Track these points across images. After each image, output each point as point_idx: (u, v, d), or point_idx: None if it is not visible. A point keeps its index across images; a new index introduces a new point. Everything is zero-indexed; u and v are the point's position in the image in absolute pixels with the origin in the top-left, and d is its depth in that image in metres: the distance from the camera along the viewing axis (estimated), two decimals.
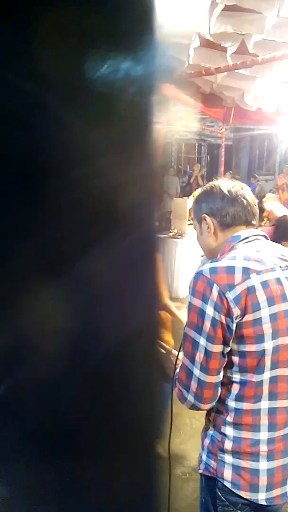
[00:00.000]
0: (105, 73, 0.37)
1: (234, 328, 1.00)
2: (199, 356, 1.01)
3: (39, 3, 0.37)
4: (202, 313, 1.00)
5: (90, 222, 0.42)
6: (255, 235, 1.15)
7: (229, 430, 1.06)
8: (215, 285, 1.00)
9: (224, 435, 1.07)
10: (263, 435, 1.05)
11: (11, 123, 0.38)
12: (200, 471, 1.14)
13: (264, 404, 1.05)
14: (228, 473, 1.07)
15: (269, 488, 1.06)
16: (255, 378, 1.03)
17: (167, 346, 1.38)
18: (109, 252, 0.42)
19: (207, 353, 1.01)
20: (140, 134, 0.42)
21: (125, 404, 0.47)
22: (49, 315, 0.43)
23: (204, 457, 1.13)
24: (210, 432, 1.12)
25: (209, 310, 1.00)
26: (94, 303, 0.44)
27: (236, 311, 0.99)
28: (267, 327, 1.01)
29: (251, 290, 1.00)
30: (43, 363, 0.44)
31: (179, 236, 5.56)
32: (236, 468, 1.06)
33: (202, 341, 1.01)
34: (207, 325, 1.00)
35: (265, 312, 1.01)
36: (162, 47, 0.40)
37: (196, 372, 1.02)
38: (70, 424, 0.46)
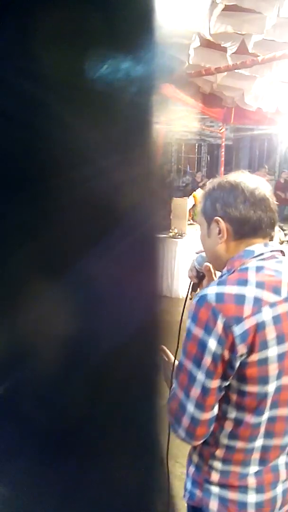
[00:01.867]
0: (105, 73, 0.37)
1: (237, 365, 0.88)
2: (195, 391, 0.90)
3: (39, 3, 0.37)
4: (203, 346, 0.87)
5: (90, 221, 0.42)
6: (271, 251, 0.98)
7: (217, 464, 0.97)
8: (220, 315, 0.86)
9: (211, 467, 0.97)
10: (253, 468, 0.97)
11: (11, 123, 0.38)
12: (185, 500, 1.03)
13: (259, 442, 0.95)
14: (214, 504, 0.97)
15: None
16: (253, 419, 0.92)
17: (170, 354, 1.29)
18: (109, 252, 0.42)
19: (205, 389, 0.89)
20: (140, 134, 0.42)
21: (125, 404, 0.47)
22: (50, 314, 0.43)
23: (188, 485, 1.02)
24: (196, 460, 1.01)
25: (212, 344, 0.87)
26: (95, 303, 0.44)
27: (241, 349, 0.86)
28: (273, 368, 0.89)
29: (261, 326, 0.87)
30: (43, 363, 0.44)
31: (179, 236, 5.56)
32: (222, 500, 0.97)
33: (200, 375, 0.89)
34: (208, 359, 0.87)
35: (273, 351, 0.89)
36: (162, 47, 0.40)
37: (190, 408, 0.90)
38: (70, 424, 0.46)
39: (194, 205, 6.12)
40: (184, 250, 5.49)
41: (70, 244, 0.41)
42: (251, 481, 0.97)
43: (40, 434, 0.46)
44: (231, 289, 0.90)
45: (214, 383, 0.89)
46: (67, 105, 0.38)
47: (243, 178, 1.00)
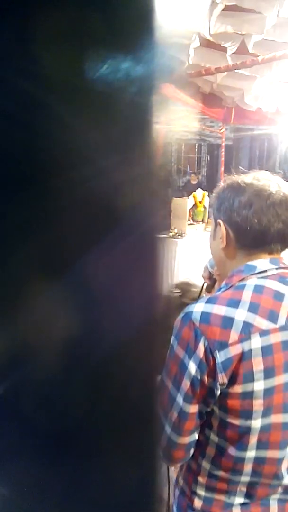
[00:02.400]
0: (105, 73, 0.37)
1: (218, 393, 0.80)
2: (173, 414, 0.83)
3: (39, 3, 0.37)
4: (183, 368, 0.80)
5: (90, 221, 0.42)
6: (277, 269, 0.85)
7: (200, 490, 0.90)
8: (203, 338, 0.78)
9: (195, 493, 0.91)
10: (239, 500, 0.89)
11: (10, 123, 0.38)
12: None
13: (245, 478, 0.86)
14: None
15: None
16: (236, 452, 0.84)
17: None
18: (109, 252, 0.42)
19: (182, 414, 0.82)
20: (140, 134, 0.42)
21: (126, 404, 0.47)
22: (49, 314, 0.43)
23: (174, 508, 0.98)
24: (181, 483, 0.96)
25: (192, 367, 0.79)
26: (94, 303, 0.44)
27: (222, 378, 0.78)
28: (258, 403, 0.79)
29: (247, 356, 0.77)
30: (43, 363, 0.44)
31: (179, 236, 5.56)
32: None
33: (178, 398, 0.82)
34: (187, 383, 0.80)
35: (259, 385, 0.78)
36: (162, 47, 0.40)
37: (168, 430, 0.83)
38: (70, 424, 0.46)
39: (194, 205, 6.12)
40: (184, 250, 5.50)
41: (69, 244, 0.41)
42: None
43: (40, 434, 0.46)
44: (219, 309, 0.80)
45: (193, 408, 0.81)
46: (67, 105, 0.38)
47: (258, 180, 0.88)
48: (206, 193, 6.24)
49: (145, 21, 0.39)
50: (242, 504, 0.89)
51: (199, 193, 6.19)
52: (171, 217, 5.74)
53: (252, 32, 3.64)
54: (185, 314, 0.83)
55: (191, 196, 6.12)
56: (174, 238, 5.52)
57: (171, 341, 0.84)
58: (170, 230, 5.65)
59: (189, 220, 5.92)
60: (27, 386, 0.44)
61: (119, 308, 0.44)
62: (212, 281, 1.22)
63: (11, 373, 0.44)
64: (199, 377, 0.80)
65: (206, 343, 0.79)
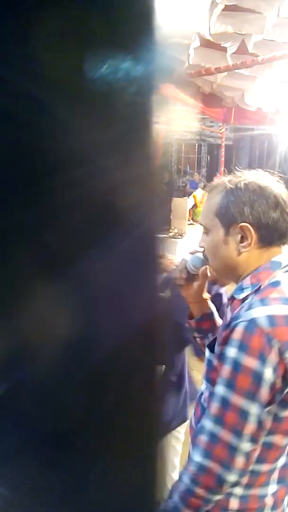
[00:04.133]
0: (105, 73, 0.37)
1: (285, 392, 0.82)
2: (250, 427, 0.81)
3: (39, 3, 0.37)
4: (258, 378, 0.78)
5: (90, 221, 0.42)
6: None
7: (238, 490, 0.91)
8: (275, 341, 0.78)
9: (231, 494, 0.91)
10: (272, 488, 0.93)
11: (10, 123, 0.38)
12: None
13: (281, 461, 0.91)
14: None
15: None
16: (285, 441, 0.88)
17: None
18: (109, 252, 0.42)
19: (260, 423, 0.81)
20: (140, 134, 0.42)
21: (126, 404, 0.47)
22: (49, 314, 0.43)
23: None
24: None
25: (268, 374, 0.78)
26: (94, 303, 0.44)
27: None
28: None
29: None
30: (43, 363, 0.44)
31: (179, 236, 5.57)
32: None
33: (255, 409, 0.80)
34: (265, 391, 0.79)
35: None
36: (162, 47, 0.40)
37: (246, 446, 0.81)
38: (70, 424, 0.46)
39: (194, 205, 6.13)
40: (184, 250, 5.50)
41: (69, 244, 0.41)
42: (269, 502, 0.92)
43: (40, 434, 0.46)
44: (280, 310, 0.80)
45: (265, 413, 0.81)
46: (67, 105, 0.38)
47: (269, 180, 0.91)
48: (206, 193, 6.22)
49: (145, 21, 0.39)
50: (273, 493, 0.92)
51: (199, 193, 6.19)
52: (171, 217, 5.74)
53: (252, 32, 3.64)
54: (249, 323, 0.80)
55: (191, 196, 6.12)
56: (174, 238, 5.52)
57: (232, 356, 0.81)
58: (170, 230, 5.65)
59: (189, 220, 5.92)
60: (27, 386, 0.44)
61: (119, 307, 0.44)
62: (187, 281, 1.17)
63: (11, 373, 0.44)
64: (275, 382, 0.80)
65: (278, 345, 0.78)
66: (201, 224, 0.99)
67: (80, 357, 0.44)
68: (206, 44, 3.87)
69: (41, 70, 0.37)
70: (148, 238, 0.45)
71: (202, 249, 1.04)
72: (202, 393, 1.05)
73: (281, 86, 5.06)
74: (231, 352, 0.82)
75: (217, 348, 0.93)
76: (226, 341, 0.85)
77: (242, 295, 0.91)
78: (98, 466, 0.47)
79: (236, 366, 0.81)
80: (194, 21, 3.31)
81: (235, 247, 0.92)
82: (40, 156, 0.39)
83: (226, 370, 0.83)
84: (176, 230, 5.66)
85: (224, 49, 4.01)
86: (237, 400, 0.81)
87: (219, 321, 1.21)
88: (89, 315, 0.44)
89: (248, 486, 0.92)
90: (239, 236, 0.91)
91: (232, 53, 4.03)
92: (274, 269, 0.89)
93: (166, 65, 0.42)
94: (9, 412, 0.45)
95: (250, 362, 0.79)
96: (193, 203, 6.12)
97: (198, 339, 1.24)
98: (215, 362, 0.93)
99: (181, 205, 5.80)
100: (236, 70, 4.37)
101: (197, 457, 0.86)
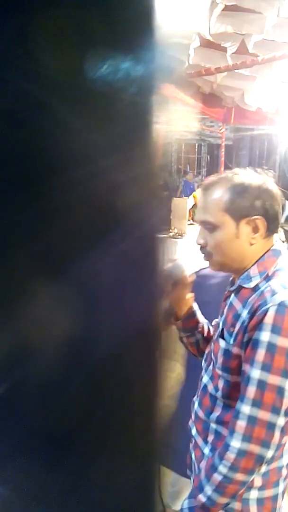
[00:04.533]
0: (105, 73, 0.37)
1: None
2: (286, 402, 0.88)
3: (39, 2, 0.37)
4: None
5: (90, 221, 0.42)
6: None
7: (262, 467, 0.95)
8: None
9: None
10: (286, 459, 0.99)
11: (10, 123, 0.38)
12: None
13: None
14: (253, 509, 0.98)
15: (279, 509, 1.00)
16: None
17: None
18: (109, 252, 0.42)
19: None
20: (140, 134, 0.42)
21: (126, 404, 0.47)
22: (49, 314, 0.43)
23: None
24: None
25: None
26: (94, 303, 0.44)
27: None
28: None
29: None
30: (43, 363, 0.43)
31: (179, 236, 5.57)
32: (260, 501, 0.98)
33: None
34: None
35: None
36: (162, 47, 0.40)
37: (281, 421, 0.89)
38: (70, 424, 0.46)
39: (194, 205, 6.13)
40: (184, 250, 5.50)
41: (69, 244, 0.41)
42: (284, 472, 0.98)
43: (40, 434, 0.46)
44: None
45: None
46: (68, 105, 0.38)
47: (264, 176, 0.99)
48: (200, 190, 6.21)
49: (145, 21, 0.39)
50: (287, 464, 0.98)
51: (199, 193, 6.18)
52: (171, 217, 5.74)
53: (252, 32, 3.64)
54: (279, 305, 0.87)
55: (191, 196, 6.12)
56: (174, 238, 5.52)
57: (266, 340, 0.87)
58: (170, 230, 5.65)
59: (189, 220, 5.92)
60: (28, 386, 0.44)
61: (119, 307, 0.44)
62: (172, 287, 1.22)
63: (11, 374, 0.44)
64: None
65: None
66: (203, 222, 1.01)
67: (80, 357, 0.44)
68: (206, 44, 3.88)
69: (41, 70, 0.37)
70: (148, 238, 0.44)
71: (200, 246, 1.05)
72: (205, 385, 1.08)
73: (281, 86, 5.06)
74: (265, 336, 0.87)
75: (233, 337, 0.97)
76: (255, 327, 0.89)
77: (252, 284, 0.97)
78: (98, 466, 0.47)
79: (271, 348, 0.87)
80: (194, 21, 3.31)
81: (246, 239, 0.97)
82: (40, 156, 0.39)
83: (260, 353, 0.88)
84: (176, 230, 5.66)
85: (224, 49, 4.01)
86: (275, 379, 0.87)
87: (201, 318, 1.26)
88: (89, 315, 0.44)
89: (269, 461, 0.95)
90: (249, 228, 0.96)
91: (232, 53, 4.03)
92: (277, 256, 0.98)
93: (166, 65, 0.42)
94: (10, 412, 0.45)
95: (285, 342, 0.85)
96: (193, 203, 6.12)
97: (184, 339, 1.28)
98: (234, 350, 0.96)
99: (181, 205, 5.80)
100: (236, 70, 4.38)
101: (236, 443, 0.89)
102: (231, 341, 0.98)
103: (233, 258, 1.01)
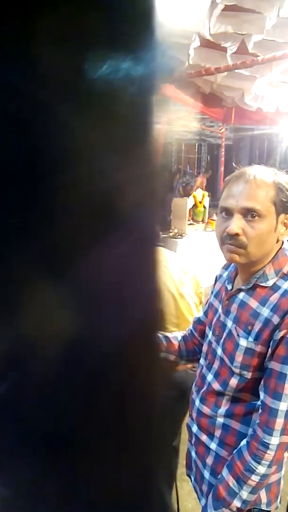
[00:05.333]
0: (105, 73, 0.37)
1: None
2: None
3: (39, 2, 0.37)
4: None
5: (90, 221, 0.42)
6: None
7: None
8: None
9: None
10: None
11: (10, 123, 0.38)
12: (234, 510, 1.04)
13: None
14: (263, 495, 1.02)
15: (281, 491, 1.06)
16: None
17: None
18: (109, 252, 0.42)
19: None
20: (140, 134, 0.42)
21: (126, 404, 0.47)
22: (50, 314, 0.43)
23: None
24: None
25: None
26: (95, 303, 0.44)
27: None
28: None
29: None
30: (43, 363, 0.44)
31: (179, 236, 5.57)
32: (267, 487, 1.02)
33: None
34: None
35: None
36: (162, 47, 0.40)
37: None
38: (70, 424, 0.46)
39: (194, 205, 6.13)
40: (184, 250, 5.50)
41: (69, 244, 0.41)
42: (286, 455, 1.00)
43: (40, 434, 0.46)
44: None
45: None
46: (67, 105, 0.38)
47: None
48: (206, 193, 6.24)
49: (145, 21, 0.39)
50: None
51: (199, 193, 6.19)
52: (171, 217, 5.75)
53: (252, 32, 3.64)
54: None
55: (191, 196, 6.12)
56: (174, 238, 5.52)
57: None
58: (170, 230, 5.65)
59: (189, 220, 5.92)
60: (28, 386, 0.44)
61: (118, 307, 0.44)
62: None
63: (10, 374, 0.44)
64: None
65: None
66: (247, 210, 1.00)
67: (80, 357, 0.44)
68: (206, 44, 3.88)
69: (40, 70, 0.37)
70: (148, 238, 0.45)
71: (230, 236, 1.02)
72: (209, 383, 1.10)
73: (281, 86, 5.06)
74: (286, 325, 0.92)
75: (253, 336, 1.00)
76: None
77: (270, 282, 1.02)
78: (99, 466, 0.48)
79: None
80: (194, 21, 3.31)
81: (276, 235, 1.02)
82: (40, 156, 0.39)
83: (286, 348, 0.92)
84: (176, 230, 5.66)
85: (224, 49, 4.01)
86: None
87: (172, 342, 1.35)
88: (89, 315, 0.44)
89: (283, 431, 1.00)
90: (283, 225, 1.01)
91: (232, 53, 4.04)
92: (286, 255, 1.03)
93: (166, 65, 0.42)
94: (10, 412, 0.45)
95: None
96: (193, 203, 6.12)
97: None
98: (258, 348, 0.99)
99: (181, 205, 5.80)
100: (236, 70, 4.38)
101: (275, 440, 0.93)
102: (252, 339, 0.99)
103: (265, 250, 1.01)
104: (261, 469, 0.93)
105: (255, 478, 0.93)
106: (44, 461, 0.47)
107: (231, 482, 0.96)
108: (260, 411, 0.96)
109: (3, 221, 0.40)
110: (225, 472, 0.99)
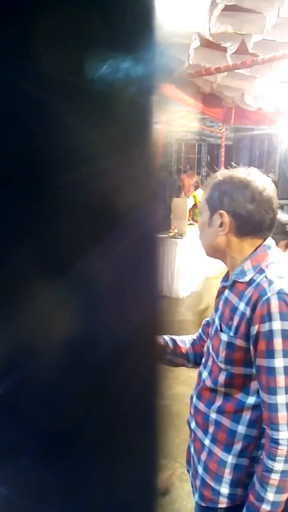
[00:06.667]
0: (105, 73, 0.37)
1: None
2: None
3: (39, 2, 0.37)
4: None
5: (90, 221, 0.42)
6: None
7: (261, 452, 0.98)
8: None
9: (255, 458, 1.00)
10: None
11: (10, 123, 0.38)
12: (223, 506, 1.03)
13: None
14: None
15: None
16: None
17: None
18: (109, 253, 0.42)
19: None
20: (140, 134, 0.42)
21: (125, 404, 0.47)
22: (50, 314, 0.43)
23: (225, 490, 1.02)
24: (232, 461, 1.01)
25: None
26: (94, 303, 0.44)
27: None
28: None
29: None
30: (43, 363, 0.44)
31: (179, 236, 5.57)
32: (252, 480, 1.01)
33: None
34: None
35: None
36: (162, 47, 0.40)
37: None
38: (70, 424, 0.46)
39: (194, 205, 6.13)
40: (184, 250, 5.50)
41: (69, 244, 0.41)
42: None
43: (40, 434, 0.46)
44: None
45: None
46: (67, 105, 0.38)
47: (253, 176, 1.02)
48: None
49: (145, 21, 0.39)
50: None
51: (199, 193, 6.19)
52: (171, 217, 5.74)
53: (252, 32, 3.63)
54: (278, 293, 0.92)
55: (191, 196, 6.12)
56: (174, 238, 5.52)
57: (278, 328, 0.91)
58: (170, 230, 5.65)
59: (189, 220, 5.92)
60: (28, 386, 0.44)
61: (118, 307, 0.44)
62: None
63: (11, 374, 0.44)
64: None
65: None
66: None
67: (80, 357, 0.44)
68: (206, 44, 3.87)
69: (41, 70, 0.37)
70: (148, 238, 0.45)
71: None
72: (204, 380, 1.11)
73: (281, 86, 5.06)
74: (276, 325, 0.92)
75: (233, 330, 1.01)
76: (262, 319, 0.94)
77: (247, 278, 1.02)
78: (99, 466, 0.48)
79: (274, 334, 0.91)
80: (194, 21, 3.31)
81: (215, 230, 1.05)
82: (40, 156, 0.39)
83: (277, 343, 0.92)
84: (176, 230, 5.66)
85: (224, 49, 4.01)
86: (286, 361, 0.91)
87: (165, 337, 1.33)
88: (89, 315, 0.44)
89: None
90: (219, 221, 1.03)
91: (232, 53, 4.03)
92: (268, 251, 1.03)
93: (166, 65, 0.42)
94: (9, 411, 0.45)
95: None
96: (193, 203, 6.12)
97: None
98: (237, 342, 1.00)
99: (181, 205, 5.80)
100: (236, 70, 4.37)
101: (284, 434, 0.92)
102: (232, 334, 1.00)
103: (208, 245, 1.10)
104: (278, 466, 0.92)
105: (275, 477, 0.92)
106: (44, 461, 0.47)
107: (257, 486, 0.95)
108: (263, 410, 0.96)
109: (3, 221, 0.40)
110: (253, 478, 0.99)
